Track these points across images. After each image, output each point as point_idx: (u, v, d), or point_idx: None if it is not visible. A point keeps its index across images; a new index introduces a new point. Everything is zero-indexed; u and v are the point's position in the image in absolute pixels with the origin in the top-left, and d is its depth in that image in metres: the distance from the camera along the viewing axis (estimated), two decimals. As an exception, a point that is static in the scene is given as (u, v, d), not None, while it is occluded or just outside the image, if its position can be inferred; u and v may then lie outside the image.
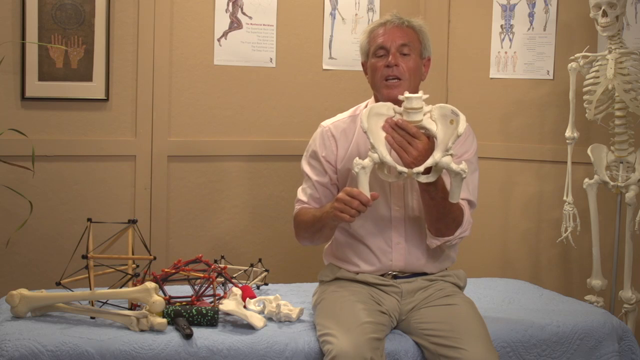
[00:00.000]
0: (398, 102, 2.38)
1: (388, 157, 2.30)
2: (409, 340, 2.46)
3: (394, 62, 2.50)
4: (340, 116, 2.68)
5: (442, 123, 2.31)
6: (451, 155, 2.29)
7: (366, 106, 2.64)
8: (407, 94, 2.33)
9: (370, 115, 2.32)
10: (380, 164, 2.33)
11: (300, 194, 2.65)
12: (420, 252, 2.57)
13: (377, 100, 2.57)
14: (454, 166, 2.28)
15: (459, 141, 2.44)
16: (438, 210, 2.42)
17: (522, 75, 3.70)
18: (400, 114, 2.34)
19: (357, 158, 2.32)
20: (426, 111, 2.33)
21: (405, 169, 2.30)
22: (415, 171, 2.30)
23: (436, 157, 2.28)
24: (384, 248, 2.56)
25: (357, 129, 2.61)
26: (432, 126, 2.32)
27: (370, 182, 2.34)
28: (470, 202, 2.56)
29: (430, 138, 2.34)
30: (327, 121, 2.68)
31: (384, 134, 2.32)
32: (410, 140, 2.31)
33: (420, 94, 2.33)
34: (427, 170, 2.32)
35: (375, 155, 2.30)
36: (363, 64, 2.64)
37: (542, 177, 3.69)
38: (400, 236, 2.56)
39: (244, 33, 3.60)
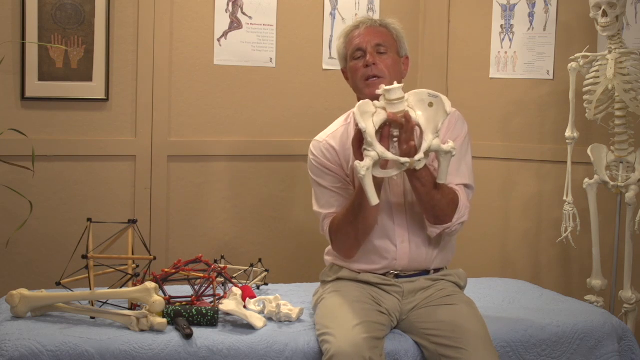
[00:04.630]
0: (376, 98, 2.39)
1: (388, 153, 2.30)
2: (409, 340, 2.46)
3: (372, 61, 2.53)
4: (332, 127, 2.67)
5: (421, 108, 2.34)
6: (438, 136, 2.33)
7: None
8: (385, 87, 2.35)
9: (362, 114, 2.32)
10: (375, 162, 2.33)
11: (324, 210, 2.58)
12: (424, 248, 2.57)
13: None
14: (444, 146, 2.32)
15: (449, 128, 2.52)
16: (432, 197, 2.42)
17: (522, 75, 3.70)
18: (383, 108, 2.34)
19: (357, 162, 2.29)
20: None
21: (407, 159, 2.30)
22: (417, 158, 2.31)
23: (428, 140, 2.31)
24: (388, 247, 2.56)
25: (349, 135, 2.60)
26: (412, 114, 2.35)
27: None
28: (467, 186, 2.56)
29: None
30: (321, 135, 2.66)
31: (374, 131, 2.31)
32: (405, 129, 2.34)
33: (395, 84, 2.35)
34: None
35: (374, 153, 2.29)
36: (343, 71, 2.67)
37: (542, 177, 3.69)
38: (404, 233, 2.55)
39: (244, 33, 3.60)
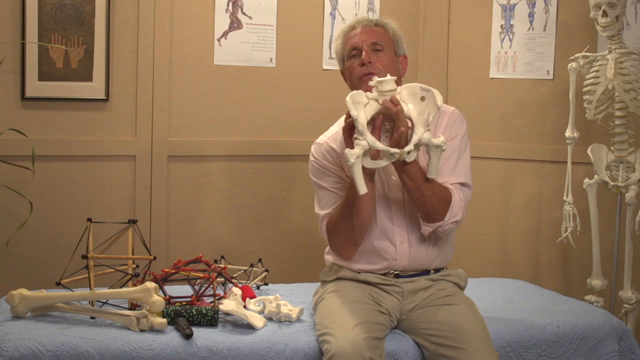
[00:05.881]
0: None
1: (378, 143, 2.31)
2: (409, 340, 2.46)
3: (367, 60, 2.54)
4: (333, 129, 2.68)
5: (413, 101, 2.35)
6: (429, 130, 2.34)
7: None
8: (377, 78, 2.37)
9: (354, 103, 2.33)
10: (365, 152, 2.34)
11: (323, 210, 2.60)
12: (424, 248, 2.56)
13: None
14: (434, 140, 2.33)
15: (448, 126, 2.53)
16: (421, 192, 2.42)
17: (522, 75, 3.71)
18: (376, 99, 2.35)
19: (347, 149, 2.31)
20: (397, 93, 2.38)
21: (397, 150, 2.32)
22: (407, 150, 2.32)
23: (419, 133, 2.32)
24: (388, 248, 2.56)
25: None
26: (404, 107, 2.36)
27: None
28: (464, 184, 2.55)
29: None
30: (322, 137, 2.68)
31: (365, 121, 2.32)
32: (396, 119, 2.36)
33: (388, 75, 2.37)
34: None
35: (364, 142, 2.30)
36: (342, 72, 2.67)
37: (542, 177, 3.69)
38: (404, 234, 2.55)
39: (244, 33, 3.60)
